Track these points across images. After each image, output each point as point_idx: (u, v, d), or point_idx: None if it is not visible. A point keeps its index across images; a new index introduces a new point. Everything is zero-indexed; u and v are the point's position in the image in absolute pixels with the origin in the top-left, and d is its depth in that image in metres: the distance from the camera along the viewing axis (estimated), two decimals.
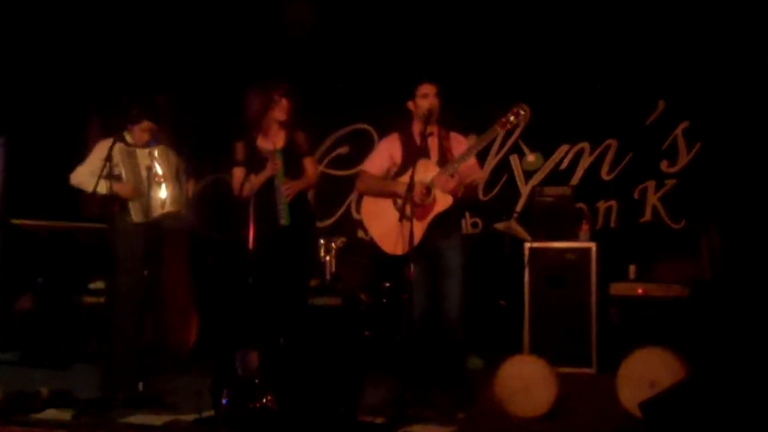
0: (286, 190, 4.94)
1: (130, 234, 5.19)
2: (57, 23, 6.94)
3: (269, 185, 4.98)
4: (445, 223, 4.76)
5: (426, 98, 4.80)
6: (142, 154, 5.17)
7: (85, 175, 5.22)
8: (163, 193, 5.14)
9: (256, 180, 4.94)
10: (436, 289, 4.78)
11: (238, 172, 5.02)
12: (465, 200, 4.92)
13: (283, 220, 4.94)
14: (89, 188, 5.07)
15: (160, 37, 6.89)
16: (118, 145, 5.11)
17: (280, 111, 5.02)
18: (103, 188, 5.07)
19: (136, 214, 5.19)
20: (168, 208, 5.16)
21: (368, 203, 5.03)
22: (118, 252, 5.21)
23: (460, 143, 4.92)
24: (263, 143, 5.06)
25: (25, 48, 7.02)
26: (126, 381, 4.86)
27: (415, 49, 6.65)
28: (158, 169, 5.12)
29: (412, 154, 4.76)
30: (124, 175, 5.16)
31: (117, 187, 5.10)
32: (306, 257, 5.23)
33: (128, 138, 5.23)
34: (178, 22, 6.87)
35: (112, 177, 4.94)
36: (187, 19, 6.89)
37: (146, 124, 5.21)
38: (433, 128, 4.86)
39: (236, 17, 6.87)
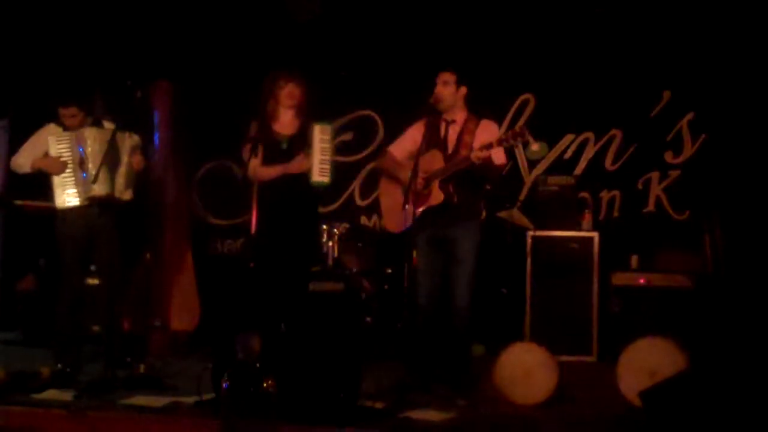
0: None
1: (65, 220, 5.11)
2: (62, 6, 6.92)
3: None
4: (458, 212, 4.71)
5: (437, 86, 4.75)
6: (71, 136, 5.07)
7: (20, 158, 5.18)
8: (86, 176, 5.00)
9: (274, 171, 4.88)
10: (446, 276, 4.75)
11: (250, 149, 4.92)
12: (487, 180, 4.90)
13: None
14: (26, 170, 5.13)
15: (167, 23, 6.86)
16: (53, 129, 5.12)
17: (286, 96, 4.99)
18: (26, 166, 5.11)
19: (57, 199, 5.08)
20: (95, 192, 5.01)
21: (386, 179, 5.07)
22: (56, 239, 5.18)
23: (487, 130, 4.79)
24: (278, 128, 5.03)
25: (28, 30, 7.01)
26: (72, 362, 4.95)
27: (420, 37, 6.62)
28: (86, 151, 5.02)
29: (428, 142, 4.74)
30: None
31: (39, 162, 5.09)
32: (309, 243, 5.21)
33: (66, 122, 5.13)
34: (185, 8, 6.85)
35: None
36: (193, 6, 6.87)
37: (72, 110, 5.09)
38: (457, 116, 4.80)
39: (241, 4, 6.85)
